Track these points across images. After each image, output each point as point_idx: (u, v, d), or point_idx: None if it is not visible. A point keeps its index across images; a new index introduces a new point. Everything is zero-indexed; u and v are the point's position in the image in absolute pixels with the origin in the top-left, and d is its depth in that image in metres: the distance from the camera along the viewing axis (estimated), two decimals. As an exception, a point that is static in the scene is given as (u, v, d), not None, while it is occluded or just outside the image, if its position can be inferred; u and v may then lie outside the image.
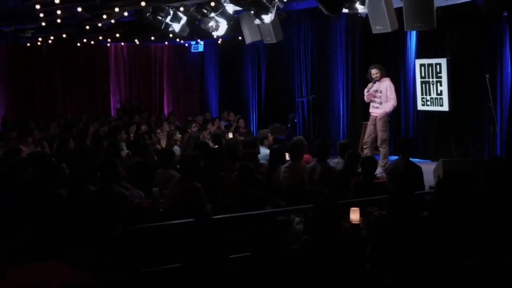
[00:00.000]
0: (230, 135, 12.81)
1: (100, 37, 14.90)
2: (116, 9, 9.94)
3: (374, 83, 10.99)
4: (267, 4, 9.29)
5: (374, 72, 10.98)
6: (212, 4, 9.84)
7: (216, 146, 9.84)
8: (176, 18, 10.52)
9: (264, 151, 9.67)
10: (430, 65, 12.52)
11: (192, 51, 18.48)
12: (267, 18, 9.62)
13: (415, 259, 4.31)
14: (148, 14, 10.44)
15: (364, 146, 11.34)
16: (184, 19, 10.68)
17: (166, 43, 17.80)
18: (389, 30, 9.22)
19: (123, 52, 18.37)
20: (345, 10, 9.35)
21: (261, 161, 9.25)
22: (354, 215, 6.00)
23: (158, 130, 12.28)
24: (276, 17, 10.20)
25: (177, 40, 15.96)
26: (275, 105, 16.42)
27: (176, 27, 10.84)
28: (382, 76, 11.00)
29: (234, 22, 11.03)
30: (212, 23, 10.89)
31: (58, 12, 9.99)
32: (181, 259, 4.65)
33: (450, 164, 9.38)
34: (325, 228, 4.52)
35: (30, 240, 5.65)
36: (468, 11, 10.93)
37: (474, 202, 4.95)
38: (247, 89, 17.36)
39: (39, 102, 16.92)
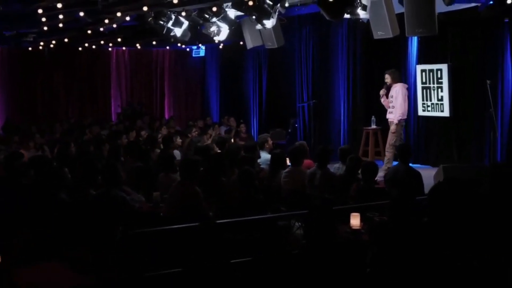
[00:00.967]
0: (231, 141, 12.82)
1: (102, 42, 14.92)
2: (118, 14, 9.96)
3: (387, 88, 11.19)
4: (269, 9, 9.30)
5: (386, 77, 11.31)
6: (214, 9, 9.86)
7: (219, 151, 9.85)
8: (178, 23, 10.54)
9: (265, 156, 9.68)
10: (431, 70, 12.54)
11: (193, 55, 18.50)
12: (269, 23, 9.64)
13: (415, 265, 4.31)
14: (150, 19, 10.46)
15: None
16: (185, 24, 10.70)
17: (168, 47, 17.82)
18: (391, 35, 9.24)
19: (124, 57, 18.39)
20: (346, 16, 9.37)
21: (261, 166, 9.26)
22: (355, 221, 6.00)
23: (159, 135, 12.29)
24: (277, 22, 10.22)
25: (179, 44, 15.97)
26: (276, 110, 16.43)
27: (178, 31, 10.86)
28: (393, 80, 11.16)
29: (236, 27, 11.06)
30: (213, 28, 10.91)
31: (60, 16, 10.01)
32: (182, 264, 4.66)
33: (450, 169, 9.38)
34: (321, 231, 4.54)
35: (32, 242, 5.66)
36: (470, 17, 10.96)
37: (476, 208, 4.96)
38: (248, 94, 17.37)
39: (41, 106, 16.93)
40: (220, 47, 16.25)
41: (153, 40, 14.76)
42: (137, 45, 16.36)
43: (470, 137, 12.33)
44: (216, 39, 11.41)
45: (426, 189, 8.25)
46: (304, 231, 5.71)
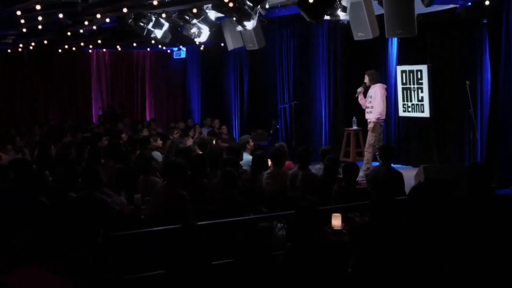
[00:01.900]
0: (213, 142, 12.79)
1: (82, 44, 14.84)
2: (98, 16, 9.91)
3: (364, 87, 11.26)
4: (249, 10, 9.30)
5: (365, 77, 11.31)
6: (194, 10, 9.84)
7: (201, 152, 9.82)
8: (158, 25, 10.52)
9: (246, 157, 9.67)
10: (411, 71, 12.63)
11: (174, 57, 18.47)
12: (249, 24, 9.65)
13: (396, 265, 4.34)
14: (130, 20, 10.42)
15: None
16: (166, 25, 10.68)
17: (148, 49, 17.77)
18: (371, 37, 9.29)
19: (104, 59, 18.31)
20: (326, 17, 9.40)
21: (243, 167, 9.25)
22: (336, 221, 6.01)
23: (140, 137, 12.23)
24: (258, 23, 10.23)
25: (159, 46, 15.92)
26: (257, 111, 16.45)
27: (158, 33, 10.84)
28: (371, 81, 11.23)
29: (216, 28, 11.05)
30: (194, 30, 10.89)
31: (40, 18, 9.94)
32: (164, 266, 4.65)
33: (431, 170, 9.45)
34: (307, 233, 4.55)
35: (11, 247, 5.60)
36: (449, 18, 11.03)
37: (454, 208, 4.99)
38: (229, 95, 17.37)
39: (20, 109, 16.81)
40: (201, 48, 16.22)
41: (134, 42, 14.71)
42: (118, 47, 16.28)
43: (450, 137, 12.42)
44: (197, 40, 11.40)
45: (407, 189, 8.33)
46: (288, 232, 5.72)
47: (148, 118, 18.17)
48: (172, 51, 18.19)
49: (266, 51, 13.66)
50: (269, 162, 8.77)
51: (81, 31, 11.81)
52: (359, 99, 11.56)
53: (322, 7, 8.82)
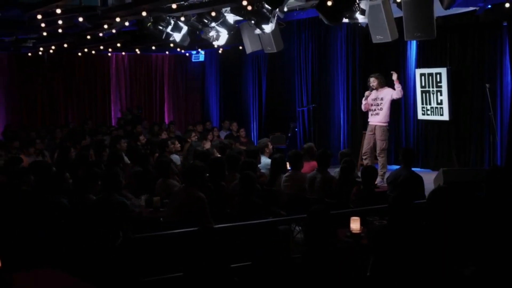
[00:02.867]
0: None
1: (101, 47, 14.94)
2: (117, 19, 9.97)
3: (371, 91, 11.15)
4: (268, 14, 9.31)
5: (372, 80, 11.25)
6: (213, 14, 9.86)
7: (219, 155, 9.83)
8: (177, 28, 10.55)
9: (265, 160, 9.68)
10: (430, 74, 12.56)
11: (192, 60, 18.55)
12: (268, 27, 9.65)
13: (415, 268, 4.32)
14: (149, 24, 10.46)
15: (364, 156, 11.38)
16: (185, 29, 10.71)
17: (167, 52, 17.85)
18: (389, 39, 9.25)
19: (123, 62, 18.41)
20: (345, 20, 9.38)
21: (261, 170, 9.26)
22: (355, 225, 6.00)
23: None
24: (276, 26, 10.23)
25: (178, 49, 16.01)
26: (275, 114, 16.45)
27: (177, 36, 10.87)
28: (380, 84, 11.14)
29: (235, 31, 11.06)
30: (212, 33, 10.91)
31: (60, 22, 10.02)
32: (183, 268, 4.66)
33: (450, 173, 9.37)
34: (319, 236, 4.55)
35: (32, 248, 5.66)
36: (468, 21, 10.98)
37: (475, 211, 4.96)
38: (247, 99, 17.38)
39: (41, 112, 16.95)
40: (220, 51, 16.28)
41: (153, 45, 14.78)
42: (137, 50, 16.38)
43: (469, 140, 12.34)
44: (215, 43, 11.41)
45: (427, 193, 8.29)
46: (304, 236, 5.71)
47: (166, 121, 18.24)
48: (190, 54, 18.26)
49: (284, 54, 13.67)
50: (287, 165, 8.78)
51: (101, 34, 11.89)
52: (363, 103, 11.46)
53: (340, 10, 8.79)
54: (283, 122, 15.65)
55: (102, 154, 9.87)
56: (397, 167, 9.39)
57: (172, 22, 10.41)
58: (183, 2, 9.35)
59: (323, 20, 9.01)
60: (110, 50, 16.30)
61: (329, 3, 8.38)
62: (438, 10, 8.73)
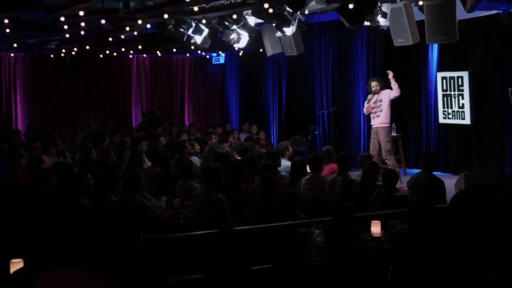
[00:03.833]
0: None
1: (123, 49, 15.05)
2: (139, 21, 10.03)
3: (374, 95, 11.18)
4: (289, 16, 9.33)
5: (374, 84, 11.30)
6: (234, 16, 9.89)
7: (239, 158, 9.84)
8: (198, 30, 10.60)
9: (285, 163, 9.67)
10: (452, 78, 12.47)
11: (213, 63, 18.59)
12: (289, 30, 9.67)
13: (436, 273, 4.30)
14: (171, 26, 10.52)
15: None
16: (206, 31, 10.75)
17: (188, 55, 17.92)
18: (411, 43, 9.22)
19: (145, 64, 18.49)
20: (366, 23, 9.37)
21: (281, 173, 9.25)
22: (375, 228, 5.97)
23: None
24: (297, 29, 10.24)
25: (199, 52, 16.07)
26: (295, 117, 16.44)
27: (198, 39, 10.92)
28: (382, 88, 11.18)
29: (256, 34, 11.09)
30: (233, 35, 10.95)
31: (82, 24, 10.10)
32: (203, 270, 4.68)
33: (472, 177, 9.30)
34: (344, 239, 4.54)
35: (54, 248, 5.70)
36: (491, 24, 10.90)
37: (497, 215, 4.92)
38: (267, 101, 17.38)
39: (62, 113, 17.08)
40: (240, 54, 16.30)
41: (173, 48, 14.86)
42: (158, 52, 16.46)
43: (491, 145, 12.24)
44: (236, 46, 11.45)
45: (448, 197, 8.23)
46: (325, 239, 5.70)
47: (187, 123, 18.29)
48: (211, 57, 18.32)
49: (305, 57, 13.65)
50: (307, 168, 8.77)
51: (122, 36, 11.97)
52: (365, 106, 11.49)
53: (362, 13, 8.78)
54: (303, 125, 15.64)
55: (123, 155, 9.94)
56: (418, 170, 9.33)
57: (193, 24, 10.46)
58: (204, 5, 9.39)
59: (344, 23, 9.01)
60: (131, 52, 16.41)
61: (351, 6, 8.39)
62: (460, 13, 8.69)
